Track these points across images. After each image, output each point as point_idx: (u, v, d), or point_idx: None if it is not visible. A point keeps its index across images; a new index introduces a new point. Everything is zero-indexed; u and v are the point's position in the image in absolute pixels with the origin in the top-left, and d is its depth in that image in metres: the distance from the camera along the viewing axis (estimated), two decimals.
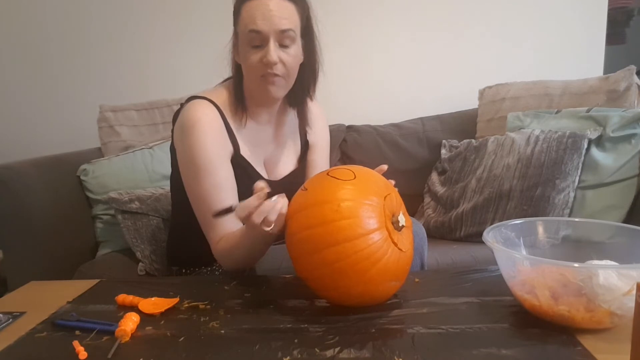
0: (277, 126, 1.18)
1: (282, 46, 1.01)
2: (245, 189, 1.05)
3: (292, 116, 1.20)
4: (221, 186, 1.04)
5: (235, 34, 1.07)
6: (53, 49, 2.12)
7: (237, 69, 1.10)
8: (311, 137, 1.24)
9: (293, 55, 1.03)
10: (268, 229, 0.83)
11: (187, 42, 2.06)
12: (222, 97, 1.10)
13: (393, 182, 0.90)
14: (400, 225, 0.80)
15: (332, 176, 0.82)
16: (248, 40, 1.01)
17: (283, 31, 1.00)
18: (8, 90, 2.17)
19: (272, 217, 0.81)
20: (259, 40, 1.00)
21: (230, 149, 1.08)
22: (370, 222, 0.77)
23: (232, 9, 1.06)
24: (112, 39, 2.09)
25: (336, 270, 0.76)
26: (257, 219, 0.81)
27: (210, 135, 1.03)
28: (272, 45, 0.99)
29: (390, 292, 0.84)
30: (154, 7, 2.06)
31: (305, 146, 1.24)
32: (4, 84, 2.16)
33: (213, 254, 1.07)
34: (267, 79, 1.03)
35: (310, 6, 1.07)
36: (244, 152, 1.10)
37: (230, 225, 1.04)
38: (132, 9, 2.07)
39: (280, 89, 1.06)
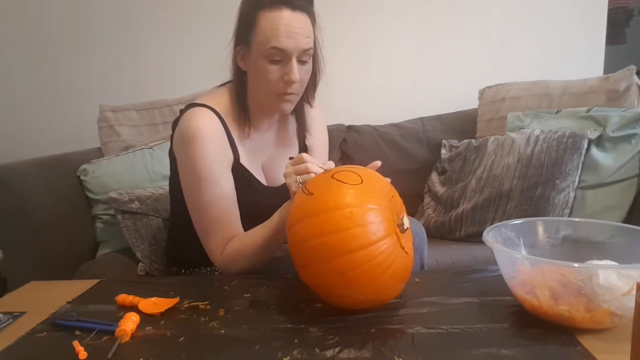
0: (276, 132, 1.18)
1: (300, 62, 1.00)
2: (244, 196, 1.05)
3: (291, 121, 1.20)
4: (222, 196, 1.03)
5: (244, 40, 1.02)
6: (53, 49, 2.12)
7: (239, 75, 1.08)
8: (310, 141, 1.24)
9: (308, 71, 1.04)
10: (301, 180, 0.90)
11: (187, 42, 2.06)
12: (223, 103, 1.08)
13: (389, 179, 0.90)
14: (405, 227, 0.80)
15: (337, 179, 0.80)
16: (267, 54, 0.98)
17: (305, 50, 0.99)
18: (8, 90, 2.17)
19: (315, 172, 0.90)
20: (279, 56, 0.98)
21: (230, 157, 1.07)
22: (381, 228, 0.76)
23: (232, 9, 1.04)
24: (112, 39, 2.09)
25: (349, 278, 0.75)
26: (312, 167, 0.91)
27: (212, 145, 1.02)
28: (295, 64, 0.99)
29: (395, 295, 0.84)
30: (154, 7, 2.06)
31: (303, 150, 1.23)
32: (5, 84, 2.16)
33: (216, 262, 1.06)
34: (283, 96, 1.03)
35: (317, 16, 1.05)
36: (244, 159, 1.09)
37: (234, 231, 1.04)
38: (132, 9, 2.07)
39: (293, 105, 1.07)
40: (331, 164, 0.94)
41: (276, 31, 0.96)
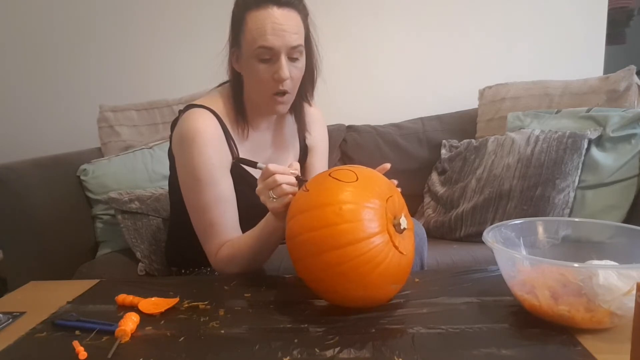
0: (275, 131, 1.18)
1: (291, 59, 1.00)
2: (245, 197, 1.06)
3: (290, 120, 1.20)
4: (221, 198, 1.03)
5: (236, 42, 1.03)
6: (53, 49, 2.12)
7: (235, 76, 1.08)
8: (310, 141, 1.23)
9: (300, 68, 1.03)
10: (275, 196, 0.88)
11: (187, 42, 2.06)
12: (222, 104, 1.08)
13: (396, 182, 0.90)
14: (401, 227, 0.80)
15: (334, 177, 0.81)
16: (256, 54, 0.98)
17: (294, 47, 0.98)
18: (8, 90, 2.17)
19: (287, 188, 0.87)
20: (268, 55, 0.98)
21: (230, 158, 1.07)
22: (372, 226, 0.76)
23: (232, 9, 1.04)
24: (112, 39, 2.10)
25: (337, 273, 0.76)
26: (280, 178, 0.87)
27: (211, 147, 1.02)
28: (284, 61, 0.98)
29: (391, 295, 0.84)
30: (154, 7, 2.06)
31: (304, 150, 1.23)
32: (5, 84, 2.17)
33: (212, 264, 1.07)
34: (276, 97, 1.02)
35: (309, 13, 1.05)
36: None
37: (231, 234, 1.04)
38: (132, 9, 2.07)
39: (287, 105, 1.07)
40: (297, 166, 0.93)
41: (262, 30, 0.96)
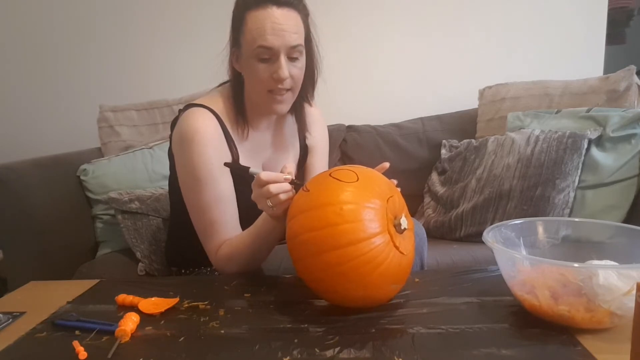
0: (275, 131, 1.18)
1: (290, 59, 1.00)
2: (245, 197, 1.06)
3: (290, 121, 1.20)
4: (220, 197, 1.03)
5: (236, 42, 1.03)
6: (53, 49, 2.12)
7: (236, 76, 1.08)
8: (310, 141, 1.23)
9: (300, 67, 1.02)
10: (271, 204, 0.87)
11: (187, 42, 2.06)
12: (222, 103, 1.08)
13: (395, 181, 0.90)
14: (402, 228, 0.80)
15: (334, 177, 0.81)
16: (256, 53, 0.98)
17: (293, 47, 0.98)
18: (8, 90, 2.17)
19: (283, 197, 0.87)
20: (268, 55, 0.98)
21: (229, 158, 1.07)
22: (372, 226, 0.76)
23: (232, 9, 1.04)
24: (112, 39, 2.10)
25: (338, 274, 0.76)
26: (274, 189, 0.86)
27: (210, 146, 1.02)
28: (283, 61, 0.98)
29: (391, 295, 0.84)
30: (154, 7, 2.06)
31: (304, 150, 1.23)
32: (5, 84, 2.17)
33: (212, 263, 1.07)
34: (275, 95, 1.02)
35: (310, 13, 1.05)
36: (243, 160, 1.09)
37: (231, 233, 1.04)
38: (132, 9, 2.07)
39: (287, 104, 1.06)
40: (290, 168, 0.92)
41: (262, 30, 0.96)
